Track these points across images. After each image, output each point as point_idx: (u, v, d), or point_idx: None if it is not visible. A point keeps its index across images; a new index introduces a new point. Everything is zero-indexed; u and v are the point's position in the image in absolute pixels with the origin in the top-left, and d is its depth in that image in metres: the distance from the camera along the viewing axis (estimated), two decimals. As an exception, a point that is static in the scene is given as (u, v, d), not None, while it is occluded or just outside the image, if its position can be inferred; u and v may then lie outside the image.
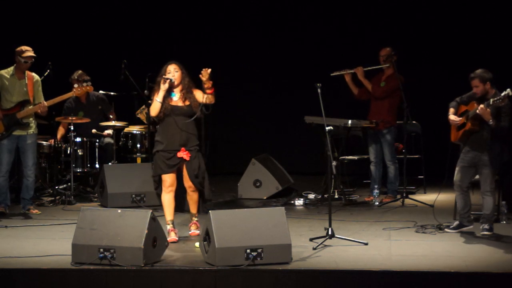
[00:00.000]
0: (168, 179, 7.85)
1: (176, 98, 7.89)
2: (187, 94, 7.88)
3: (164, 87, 7.79)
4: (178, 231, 7.93)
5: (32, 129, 9.20)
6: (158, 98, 7.80)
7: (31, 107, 9.10)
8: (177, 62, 7.94)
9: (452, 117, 8.00)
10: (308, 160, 12.13)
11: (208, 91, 7.81)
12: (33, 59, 9.09)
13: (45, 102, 9.07)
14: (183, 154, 7.82)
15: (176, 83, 7.87)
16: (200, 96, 7.90)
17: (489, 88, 7.80)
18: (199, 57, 11.97)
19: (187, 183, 7.91)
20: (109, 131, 10.60)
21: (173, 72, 7.87)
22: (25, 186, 9.26)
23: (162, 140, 7.87)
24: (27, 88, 9.10)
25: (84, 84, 9.71)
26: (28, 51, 9.05)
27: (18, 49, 9.07)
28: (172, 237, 7.71)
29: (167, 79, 7.79)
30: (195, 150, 7.90)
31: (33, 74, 9.21)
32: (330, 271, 6.65)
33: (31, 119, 9.16)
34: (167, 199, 7.87)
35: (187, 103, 7.87)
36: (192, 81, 7.96)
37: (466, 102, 8.01)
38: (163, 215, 7.93)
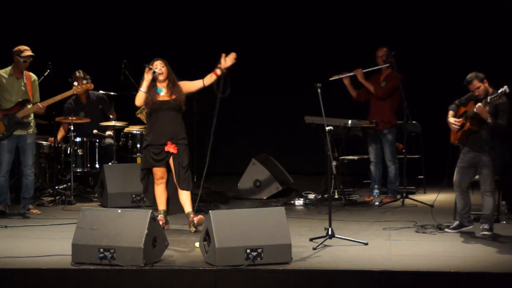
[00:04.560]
0: (158, 172, 8.19)
1: (163, 93, 8.15)
2: (173, 88, 8.14)
3: (147, 77, 8.07)
4: (180, 231, 7.98)
5: (32, 128, 9.20)
6: (142, 88, 8.08)
7: (30, 106, 9.10)
8: (163, 59, 8.20)
9: (451, 119, 8.00)
10: (308, 160, 12.13)
11: (218, 71, 8.10)
12: (31, 58, 9.09)
13: (41, 104, 9.05)
14: (170, 147, 8.06)
15: (163, 78, 8.12)
16: (190, 85, 8.19)
17: (488, 86, 7.81)
18: (199, 57, 11.98)
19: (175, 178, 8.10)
20: (110, 132, 10.60)
21: (159, 67, 8.12)
22: (24, 185, 9.26)
23: (149, 135, 8.16)
24: (26, 87, 9.11)
25: (84, 82, 9.71)
26: (26, 51, 9.06)
27: (16, 49, 9.07)
28: None
29: (150, 69, 8.06)
30: (183, 144, 8.12)
31: (31, 73, 9.21)
32: (330, 271, 6.65)
33: (30, 118, 9.16)
34: (159, 190, 8.22)
35: (173, 97, 8.14)
36: (176, 76, 8.21)
37: (465, 104, 8.01)
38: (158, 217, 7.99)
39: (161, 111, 8.08)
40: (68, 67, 10.65)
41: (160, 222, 7.86)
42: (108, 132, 10.62)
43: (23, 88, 9.12)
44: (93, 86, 9.76)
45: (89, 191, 10.39)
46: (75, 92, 9.56)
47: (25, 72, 9.14)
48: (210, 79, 8.17)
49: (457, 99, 8.12)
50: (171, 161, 8.10)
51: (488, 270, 6.62)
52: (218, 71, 8.14)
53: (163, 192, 8.21)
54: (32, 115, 9.17)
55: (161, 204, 8.23)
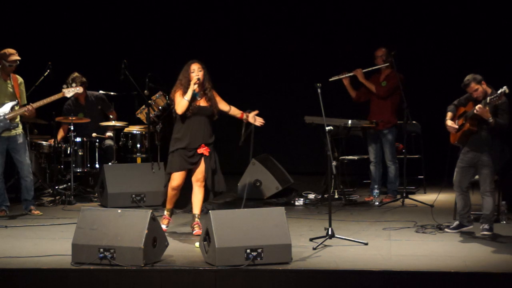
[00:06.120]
0: (178, 179, 8.04)
1: (199, 98, 8.06)
2: (210, 96, 8.08)
3: (195, 87, 7.96)
4: (180, 231, 7.99)
5: (20, 129, 9.14)
6: (186, 97, 7.96)
7: (17, 107, 9.06)
8: (200, 61, 8.08)
9: (449, 122, 8.00)
10: (308, 160, 12.13)
11: (244, 116, 8.21)
12: (17, 62, 9.07)
13: (32, 105, 9.02)
14: (203, 150, 8.04)
15: (201, 80, 8.04)
16: (219, 101, 8.17)
17: (486, 87, 7.82)
18: (199, 57, 11.96)
19: (196, 177, 8.05)
20: (110, 133, 10.59)
21: (197, 71, 8.01)
22: (24, 187, 9.21)
23: (184, 138, 8.04)
24: (14, 89, 9.08)
25: (73, 85, 9.68)
26: (13, 55, 9.03)
27: (2, 52, 9.03)
28: (163, 226, 7.73)
29: (199, 79, 7.97)
30: (212, 146, 8.12)
31: (17, 76, 9.16)
32: (330, 271, 6.65)
33: (17, 120, 9.10)
34: (173, 193, 8.10)
35: (209, 104, 8.07)
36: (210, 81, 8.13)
37: (464, 104, 8.01)
38: (163, 215, 8.02)
39: (197, 116, 8.01)
40: (68, 67, 10.64)
41: (166, 220, 7.97)
42: (108, 133, 10.61)
43: (10, 89, 9.09)
44: (82, 89, 9.68)
45: (89, 191, 10.39)
46: (63, 95, 9.38)
47: (11, 74, 9.11)
48: (235, 112, 8.27)
49: (456, 98, 8.12)
50: (202, 162, 8.06)
51: (488, 270, 6.62)
52: (244, 116, 8.22)
53: (176, 195, 8.12)
54: (19, 117, 9.12)
55: (170, 204, 8.16)
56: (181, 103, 7.98)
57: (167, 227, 8.04)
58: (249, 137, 8.25)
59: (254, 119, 8.28)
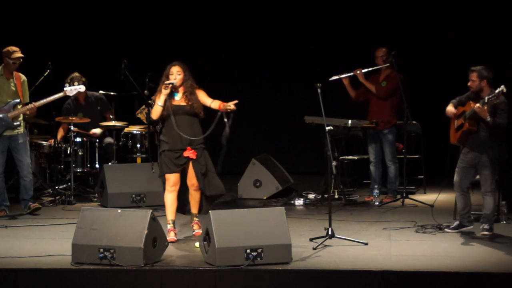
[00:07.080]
0: (172, 178, 7.85)
1: (178, 98, 7.93)
2: (190, 96, 7.90)
3: (165, 92, 7.82)
4: (179, 231, 7.98)
5: (22, 128, 9.14)
6: (159, 102, 7.85)
7: (20, 106, 9.06)
8: (181, 64, 7.95)
9: (449, 107, 8.02)
10: (308, 160, 12.13)
11: (221, 106, 7.81)
12: (21, 60, 9.06)
13: (35, 104, 9.01)
14: (189, 153, 7.85)
15: (177, 84, 7.90)
16: (203, 97, 7.95)
17: (484, 86, 7.83)
18: (199, 56, 11.98)
19: (191, 181, 7.93)
20: (96, 130, 10.48)
21: (175, 74, 7.88)
22: (23, 187, 9.19)
23: (167, 140, 7.89)
24: (16, 88, 9.08)
25: (76, 84, 9.67)
26: (16, 52, 9.02)
27: (5, 50, 9.02)
28: (171, 236, 7.71)
29: (170, 83, 7.82)
30: (201, 148, 7.93)
31: (20, 74, 9.16)
32: (330, 271, 6.66)
33: (20, 119, 9.10)
34: (170, 198, 7.88)
35: (190, 103, 7.88)
36: (194, 82, 7.98)
37: (463, 103, 8.02)
38: (163, 215, 7.98)
39: (177, 116, 7.81)
40: (68, 67, 10.65)
41: (173, 233, 7.76)
42: (93, 130, 10.45)
43: (13, 88, 9.08)
44: (84, 88, 9.64)
45: (89, 191, 10.39)
46: (66, 94, 9.35)
47: (14, 72, 9.11)
48: (214, 105, 7.88)
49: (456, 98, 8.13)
50: (190, 166, 7.89)
51: (488, 270, 6.63)
52: (222, 107, 7.81)
53: (174, 201, 7.88)
54: (21, 116, 9.12)
55: (172, 214, 7.87)
56: (154, 108, 7.90)
57: (176, 237, 7.79)
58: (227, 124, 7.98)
59: (229, 106, 7.80)
